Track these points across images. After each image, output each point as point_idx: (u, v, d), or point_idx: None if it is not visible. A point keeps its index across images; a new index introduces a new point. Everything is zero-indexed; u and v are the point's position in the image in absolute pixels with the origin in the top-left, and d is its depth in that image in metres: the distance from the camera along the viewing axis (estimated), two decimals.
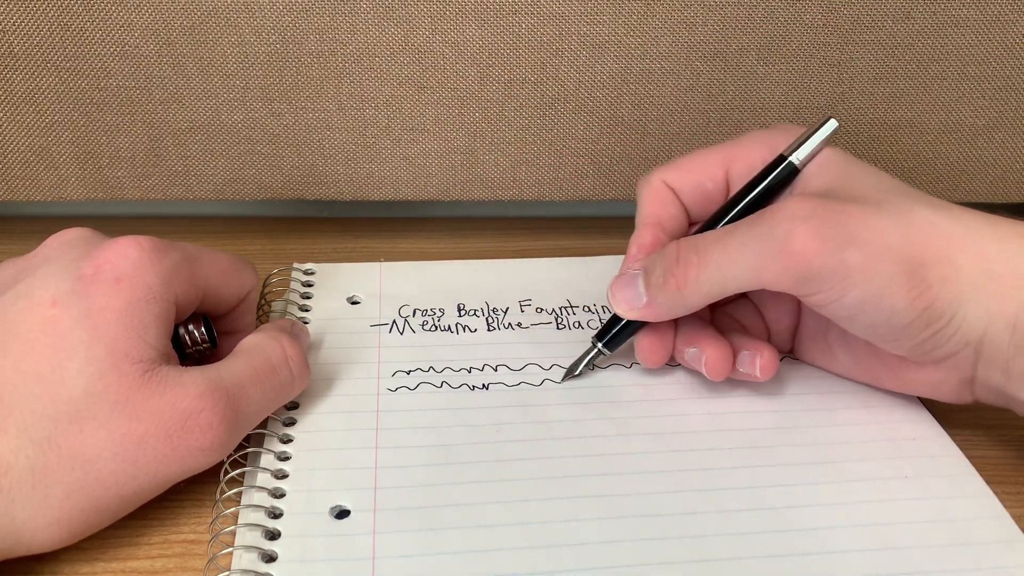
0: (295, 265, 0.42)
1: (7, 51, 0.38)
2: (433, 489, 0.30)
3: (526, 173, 0.44)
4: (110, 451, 0.26)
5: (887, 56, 0.41)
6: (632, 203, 0.45)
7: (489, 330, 0.39)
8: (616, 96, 0.42)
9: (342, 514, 0.29)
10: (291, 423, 0.33)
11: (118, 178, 0.42)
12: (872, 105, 0.43)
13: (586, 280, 0.43)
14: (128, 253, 0.28)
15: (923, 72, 0.42)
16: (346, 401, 0.34)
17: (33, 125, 0.40)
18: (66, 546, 0.27)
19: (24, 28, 0.37)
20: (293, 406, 0.34)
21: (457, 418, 0.34)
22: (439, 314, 0.40)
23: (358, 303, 0.40)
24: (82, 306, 0.27)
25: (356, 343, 0.37)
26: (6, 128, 0.40)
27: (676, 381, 0.36)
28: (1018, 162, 0.45)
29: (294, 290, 0.40)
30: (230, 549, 0.28)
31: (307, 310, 0.39)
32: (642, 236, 0.35)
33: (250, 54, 0.39)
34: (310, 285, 0.41)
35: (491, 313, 0.40)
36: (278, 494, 0.30)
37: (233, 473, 0.30)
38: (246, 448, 0.31)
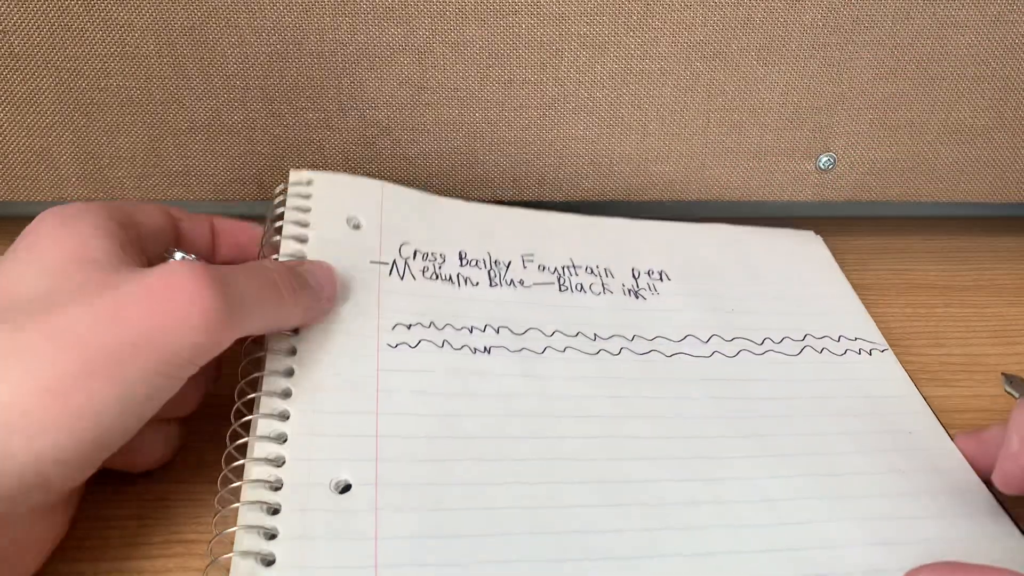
0: (291, 173, 0.38)
1: (7, 51, 0.38)
2: (437, 465, 0.30)
3: (526, 173, 0.44)
4: (85, 310, 0.25)
5: (887, 56, 0.41)
6: (631, 204, 0.46)
7: (491, 285, 0.38)
8: (616, 96, 0.42)
9: (344, 488, 0.28)
10: (290, 373, 0.31)
11: (118, 178, 0.42)
12: (872, 105, 0.43)
13: (590, 241, 0.42)
14: (51, 214, 0.29)
15: (923, 72, 0.42)
16: (345, 363, 0.32)
17: (33, 125, 0.40)
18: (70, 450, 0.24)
19: (24, 28, 0.37)
20: (291, 351, 0.32)
21: (460, 386, 0.33)
22: (440, 260, 0.38)
23: (359, 228, 0.38)
24: (28, 240, 0.28)
25: (356, 285, 0.35)
26: (6, 128, 0.40)
27: (679, 365, 0.36)
28: (1018, 162, 0.45)
29: (292, 207, 0.37)
30: (233, 529, 0.27)
31: (304, 240, 0.36)
32: None
33: (250, 54, 0.39)
34: (307, 197, 0.37)
35: (493, 266, 0.39)
36: (279, 463, 0.28)
37: (231, 448, 0.29)
38: (245, 416, 0.29)
